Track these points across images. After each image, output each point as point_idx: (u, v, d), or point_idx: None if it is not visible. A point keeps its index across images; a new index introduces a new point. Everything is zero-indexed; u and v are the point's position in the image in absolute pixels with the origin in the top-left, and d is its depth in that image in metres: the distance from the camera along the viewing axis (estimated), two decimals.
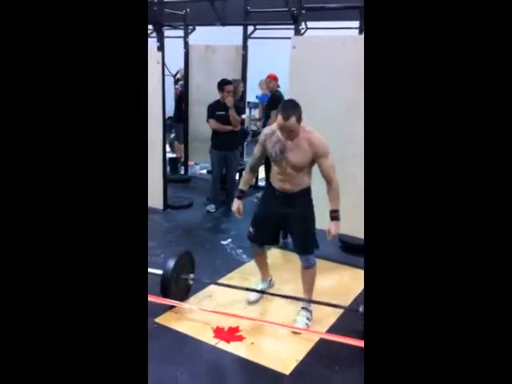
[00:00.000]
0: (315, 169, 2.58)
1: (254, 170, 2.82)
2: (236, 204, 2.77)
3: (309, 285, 2.73)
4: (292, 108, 2.37)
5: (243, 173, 2.89)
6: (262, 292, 2.97)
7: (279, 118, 2.37)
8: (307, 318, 2.70)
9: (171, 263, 2.77)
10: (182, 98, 5.97)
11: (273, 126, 2.57)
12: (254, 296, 2.94)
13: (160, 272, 2.74)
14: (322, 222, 2.69)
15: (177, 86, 6.27)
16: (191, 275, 2.93)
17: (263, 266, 3.03)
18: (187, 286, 2.93)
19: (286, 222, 2.69)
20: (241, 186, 2.82)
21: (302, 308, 2.76)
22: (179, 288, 2.84)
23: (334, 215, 2.49)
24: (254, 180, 2.78)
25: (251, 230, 2.81)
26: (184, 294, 2.90)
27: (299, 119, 2.38)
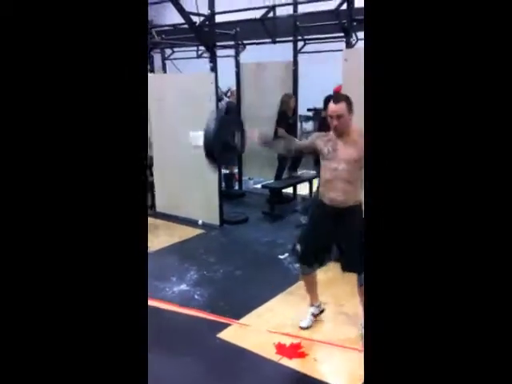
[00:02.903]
0: None
1: (292, 148, 2.74)
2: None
3: None
4: (344, 96, 2.45)
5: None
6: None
7: (330, 103, 2.42)
8: None
9: (211, 126, 2.52)
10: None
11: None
12: (306, 323, 2.80)
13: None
14: None
15: (222, 103, 6.40)
16: (237, 135, 2.61)
17: (312, 289, 2.83)
18: (235, 147, 2.61)
19: (339, 239, 2.56)
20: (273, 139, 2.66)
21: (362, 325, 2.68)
22: (227, 151, 2.58)
23: None
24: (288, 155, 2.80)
25: (299, 248, 2.65)
26: (234, 156, 2.66)
27: (350, 110, 2.39)
